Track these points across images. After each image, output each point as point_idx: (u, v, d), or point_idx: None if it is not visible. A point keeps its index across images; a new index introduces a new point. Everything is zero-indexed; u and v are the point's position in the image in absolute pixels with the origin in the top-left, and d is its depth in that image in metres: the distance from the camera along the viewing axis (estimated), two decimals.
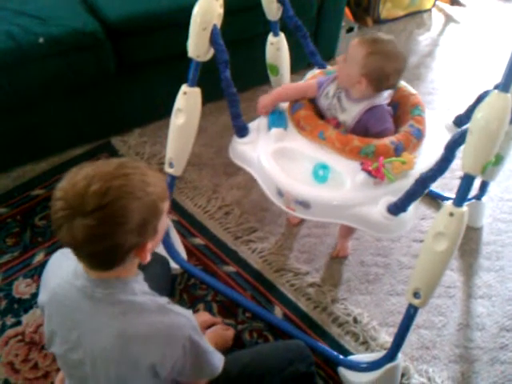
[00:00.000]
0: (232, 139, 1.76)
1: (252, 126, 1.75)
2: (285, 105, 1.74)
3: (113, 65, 2.21)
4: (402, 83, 1.76)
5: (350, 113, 1.62)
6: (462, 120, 1.72)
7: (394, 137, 1.56)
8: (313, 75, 1.83)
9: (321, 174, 1.53)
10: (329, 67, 1.91)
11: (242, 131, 1.73)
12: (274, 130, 1.64)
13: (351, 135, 1.57)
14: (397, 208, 1.46)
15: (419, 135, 1.60)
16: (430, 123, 1.68)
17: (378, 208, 1.48)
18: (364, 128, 1.61)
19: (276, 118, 1.69)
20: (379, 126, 1.60)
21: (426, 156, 1.57)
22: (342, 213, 1.52)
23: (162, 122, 2.47)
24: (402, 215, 1.48)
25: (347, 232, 1.95)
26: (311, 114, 1.66)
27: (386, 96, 1.65)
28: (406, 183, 1.45)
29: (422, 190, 1.41)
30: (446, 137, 1.64)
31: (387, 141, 1.54)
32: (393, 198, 1.47)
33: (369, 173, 1.47)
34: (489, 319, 1.83)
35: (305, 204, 1.53)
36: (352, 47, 1.58)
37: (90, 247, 0.98)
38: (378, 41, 1.58)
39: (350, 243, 2.02)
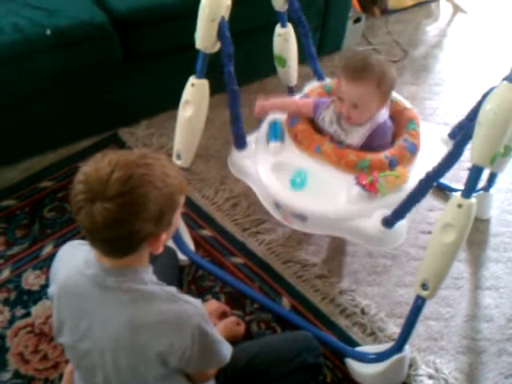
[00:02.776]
0: (231, 152, 1.80)
1: (250, 139, 1.79)
2: (283, 117, 1.77)
3: (120, 56, 2.21)
4: (398, 97, 1.78)
5: (355, 137, 1.63)
6: (457, 133, 1.71)
7: (388, 151, 1.58)
8: (311, 89, 1.85)
9: (298, 181, 1.57)
10: (327, 80, 1.94)
11: (241, 140, 1.77)
12: (272, 144, 1.68)
13: (347, 149, 1.60)
14: (394, 217, 1.48)
15: (413, 149, 1.63)
16: (425, 136, 1.69)
17: (372, 221, 1.50)
18: (368, 146, 1.63)
19: (274, 131, 1.72)
20: (380, 141, 1.63)
21: (419, 170, 1.55)
22: (337, 226, 1.56)
23: (169, 114, 2.47)
24: (396, 228, 1.51)
25: None
26: (308, 128, 1.69)
27: (384, 111, 1.66)
28: (400, 197, 1.47)
29: (426, 188, 1.42)
30: (441, 150, 1.65)
31: (382, 155, 1.56)
32: (387, 212, 1.49)
33: (363, 186, 1.50)
34: (496, 311, 1.83)
35: (301, 217, 1.56)
36: (356, 91, 1.54)
37: (107, 232, 0.99)
38: (370, 65, 1.56)
39: None
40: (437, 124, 2.05)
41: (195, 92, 1.71)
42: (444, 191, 2.19)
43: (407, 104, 1.77)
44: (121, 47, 2.19)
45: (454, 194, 1.32)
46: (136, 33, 2.21)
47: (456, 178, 2.20)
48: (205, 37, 1.62)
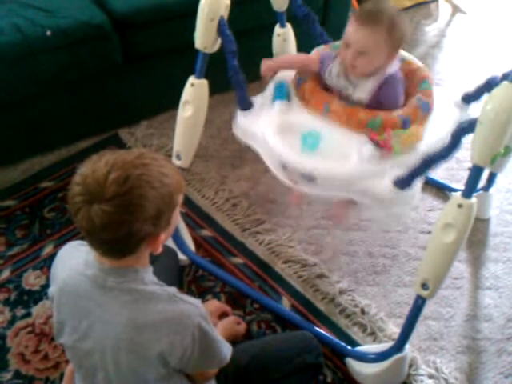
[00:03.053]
0: (236, 114, 1.71)
1: (256, 100, 1.71)
2: (290, 77, 1.70)
3: (119, 57, 2.22)
4: (410, 56, 1.71)
5: (363, 90, 1.56)
6: (470, 98, 1.69)
7: (402, 110, 1.52)
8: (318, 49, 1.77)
9: (309, 142, 1.49)
10: (336, 43, 1.82)
11: (245, 101, 1.69)
12: (278, 103, 1.60)
13: (357, 107, 1.53)
14: (401, 184, 1.43)
15: (427, 109, 1.56)
16: (438, 98, 1.63)
17: (384, 181, 1.44)
18: (377, 102, 1.56)
19: (280, 90, 1.65)
20: (391, 100, 1.56)
21: (433, 130, 1.54)
22: (347, 186, 1.48)
23: (169, 114, 2.48)
24: (408, 190, 1.44)
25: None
26: (316, 87, 1.61)
27: (395, 63, 1.58)
28: (413, 157, 1.43)
29: (425, 170, 1.40)
30: (454, 112, 1.62)
31: (394, 114, 1.49)
32: (399, 172, 1.43)
33: (376, 143, 1.43)
34: (496, 310, 1.83)
35: (309, 178, 1.47)
36: (365, 35, 1.47)
37: (105, 233, 0.99)
38: (383, 11, 1.49)
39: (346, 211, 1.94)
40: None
41: (195, 92, 1.71)
42: (444, 191, 2.20)
43: (419, 63, 1.70)
44: (120, 47, 2.20)
45: (453, 193, 1.32)
46: (135, 33, 2.22)
47: (456, 177, 2.22)
48: (204, 37, 1.62)
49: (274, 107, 1.61)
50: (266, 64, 1.70)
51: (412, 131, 1.48)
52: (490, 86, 1.53)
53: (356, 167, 1.44)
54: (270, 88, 1.70)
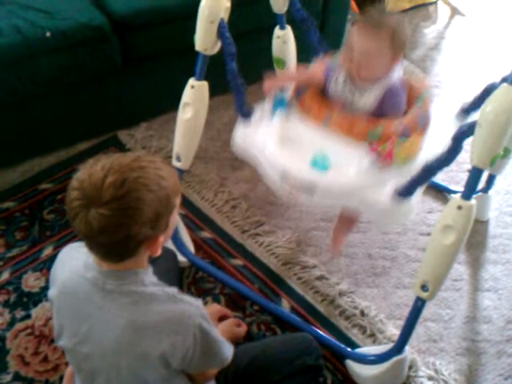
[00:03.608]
0: (235, 129, 1.72)
1: (255, 112, 1.71)
2: (289, 90, 1.69)
3: (119, 59, 2.22)
4: (410, 70, 1.71)
5: (370, 96, 1.55)
6: (468, 110, 1.70)
7: (400, 121, 1.51)
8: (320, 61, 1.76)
9: (320, 163, 1.48)
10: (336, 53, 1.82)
11: (247, 117, 1.69)
12: (278, 115, 1.60)
13: (357, 117, 1.52)
14: (402, 193, 1.43)
15: (425, 120, 1.57)
16: (436, 110, 1.64)
17: (383, 193, 1.44)
18: (381, 110, 1.55)
19: (280, 102, 1.64)
20: (395, 108, 1.56)
21: (431, 142, 1.54)
22: (347, 198, 1.48)
23: (169, 116, 2.48)
24: (408, 201, 1.45)
25: (344, 225, 1.90)
26: (316, 98, 1.61)
27: (397, 72, 1.58)
28: (412, 168, 1.43)
29: (427, 177, 1.41)
30: (453, 124, 1.63)
31: (394, 124, 1.49)
32: (399, 183, 1.43)
33: (377, 155, 1.44)
34: (495, 312, 1.83)
35: (309, 189, 1.47)
36: (370, 40, 1.47)
37: (103, 237, 0.99)
38: (387, 18, 1.51)
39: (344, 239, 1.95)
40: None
41: (195, 94, 1.72)
42: (443, 193, 2.20)
43: (419, 77, 1.70)
44: (120, 49, 2.20)
45: (453, 195, 1.32)
46: (135, 35, 2.22)
47: (455, 179, 2.22)
48: (204, 39, 1.62)
49: (274, 118, 1.61)
50: (269, 82, 1.66)
51: (412, 141, 1.48)
52: (488, 93, 1.53)
53: (355, 179, 1.44)
54: (269, 101, 1.68)
